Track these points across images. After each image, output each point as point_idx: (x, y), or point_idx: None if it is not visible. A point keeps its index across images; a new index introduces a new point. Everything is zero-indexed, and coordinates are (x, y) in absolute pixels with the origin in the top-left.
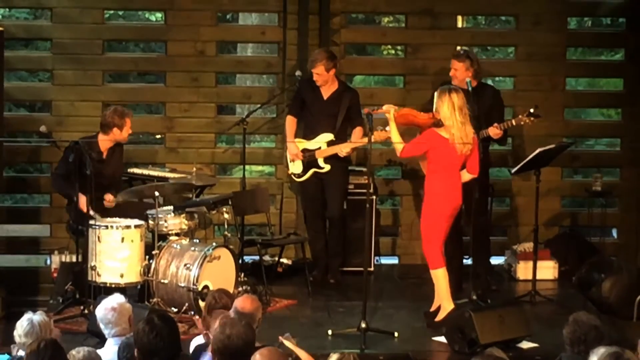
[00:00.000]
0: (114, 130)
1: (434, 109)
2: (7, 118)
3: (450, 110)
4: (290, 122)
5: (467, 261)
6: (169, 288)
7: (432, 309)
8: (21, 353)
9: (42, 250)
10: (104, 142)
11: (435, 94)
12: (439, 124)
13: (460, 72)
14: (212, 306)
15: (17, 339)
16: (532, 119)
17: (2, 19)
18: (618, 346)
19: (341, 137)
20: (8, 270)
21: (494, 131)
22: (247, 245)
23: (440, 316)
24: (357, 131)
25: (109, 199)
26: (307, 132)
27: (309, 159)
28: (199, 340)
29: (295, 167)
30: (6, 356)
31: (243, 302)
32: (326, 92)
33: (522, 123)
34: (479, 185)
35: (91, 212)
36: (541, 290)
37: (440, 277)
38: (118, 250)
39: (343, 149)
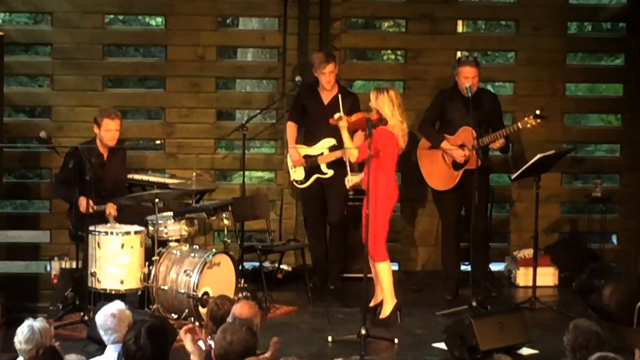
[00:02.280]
0: (94, 128)
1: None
2: (7, 123)
3: (390, 109)
4: (291, 128)
5: (465, 267)
6: (169, 294)
7: (372, 304)
8: (21, 359)
9: (42, 257)
10: (100, 145)
11: (372, 94)
12: (384, 122)
13: (476, 79)
14: (214, 313)
15: (17, 345)
16: (538, 120)
17: (2, 24)
18: (615, 352)
19: (342, 142)
20: (8, 276)
21: (500, 142)
22: (247, 252)
23: (385, 312)
24: (358, 135)
25: (109, 211)
26: (308, 137)
27: (311, 165)
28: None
29: (297, 173)
30: None
31: (241, 309)
32: (327, 97)
33: (528, 126)
34: (480, 191)
35: (95, 207)
36: (541, 296)
37: (386, 270)
38: (118, 257)
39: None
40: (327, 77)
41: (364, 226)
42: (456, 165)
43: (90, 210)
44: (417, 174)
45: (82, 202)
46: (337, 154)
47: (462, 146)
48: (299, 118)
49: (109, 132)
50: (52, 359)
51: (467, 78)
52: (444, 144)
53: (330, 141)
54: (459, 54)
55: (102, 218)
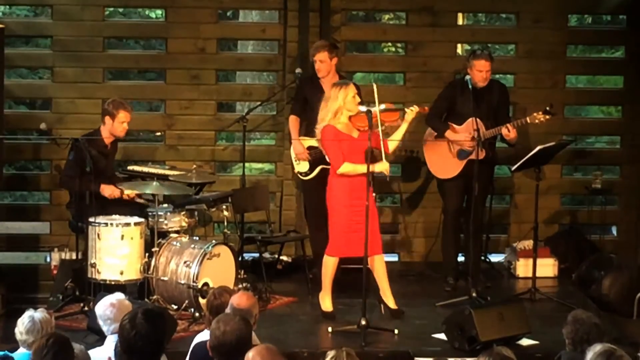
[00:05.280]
0: (106, 119)
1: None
2: (8, 115)
3: None
4: (294, 122)
5: (460, 258)
6: (169, 285)
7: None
8: (22, 350)
9: (42, 248)
10: (106, 136)
11: (351, 88)
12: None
13: (489, 73)
14: (211, 303)
15: (18, 336)
16: (547, 116)
17: (3, 16)
18: (616, 344)
19: None
20: (8, 267)
21: (505, 131)
22: (247, 243)
23: (394, 302)
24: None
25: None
26: (310, 129)
27: (315, 157)
28: (201, 337)
29: (301, 165)
30: (27, 353)
31: (239, 299)
32: (328, 88)
33: (536, 121)
34: (482, 183)
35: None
36: (541, 287)
37: None
38: (118, 248)
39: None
40: (317, 65)
41: (366, 218)
42: (461, 155)
43: (123, 196)
44: (418, 167)
45: (106, 189)
46: None
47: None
48: (301, 111)
49: (123, 123)
50: (61, 348)
51: (481, 71)
52: (448, 134)
53: None
54: (459, 46)
55: (102, 210)
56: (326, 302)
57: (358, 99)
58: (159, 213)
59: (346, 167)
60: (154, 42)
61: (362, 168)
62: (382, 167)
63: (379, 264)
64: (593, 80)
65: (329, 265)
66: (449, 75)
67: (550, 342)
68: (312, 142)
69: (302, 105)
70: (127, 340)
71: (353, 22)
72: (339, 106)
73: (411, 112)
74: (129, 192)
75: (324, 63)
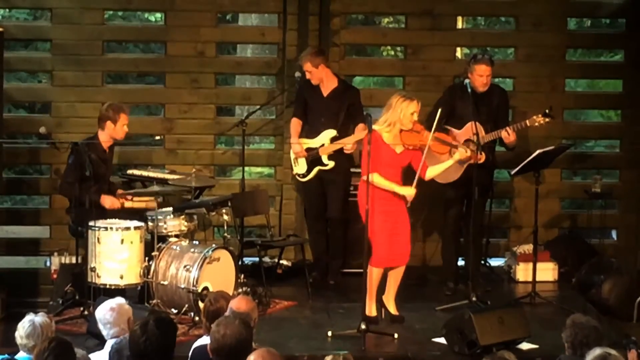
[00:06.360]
0: (107, 124)
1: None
2: (7, 119)
3: None
4: (295, 124)
5: (460, 262)
6: (169, 289)
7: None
8: (22, 354)
9: (41, 252)
10: (105, 140)
11: (413, 104)
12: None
13: (490, 77)
14: (207, 308)
15: (18, 340)
16: (546, 119)
17: (2, 20)
18: (615, 347)
19: (343, 134)
20: (8, 271)
21: (505, 134)
22: (247, 247)
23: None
24: (360, 128)
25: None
26: (309, 131)
27: (312, 158)
28: (201, 341)
29: (300, 167)
30: (27, 357)
31: (238, 303)
32: (326, 90)
33: (536, 124)
34: (482, 187)
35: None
36: (541, 291)
37: None
38: (117, 252)
39: (347, 144)
40: (306, 75)
41: (366, 222)
42: (461, 160)
43: (119, 205)
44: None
45: (106, 199)
46: (337, 144)
47: (468, 141)
48: (303, 114)
49: (124, 126)
50: (63, 351)
51: (482, 76)
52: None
53: (331, 132)
54: (458, 50)
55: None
56: (369, 308)
57: (416, 118)
58: (159, 217)
59: (376, 179)
60: (153, 45)
61: (388, 185)
62: (407, 191)
63: (398, 271)
64: (592, 84)
65: (373, 275)
66: (449, 79)
67: (550, 346)
68: (310, 143)
69: (303, 108)
70: (137, 345)
71: (352, 25)
72: (396, 119)
73: (461, 153)
74: (129, 205)
75: (310, 72)
